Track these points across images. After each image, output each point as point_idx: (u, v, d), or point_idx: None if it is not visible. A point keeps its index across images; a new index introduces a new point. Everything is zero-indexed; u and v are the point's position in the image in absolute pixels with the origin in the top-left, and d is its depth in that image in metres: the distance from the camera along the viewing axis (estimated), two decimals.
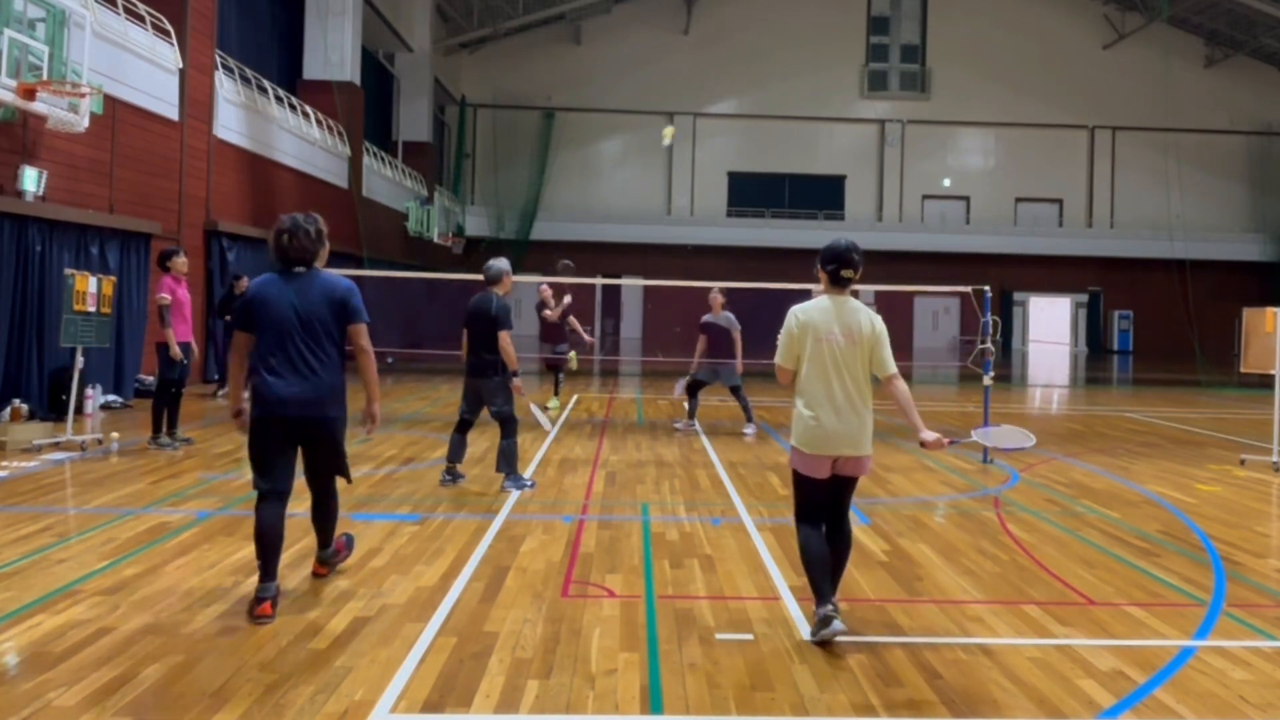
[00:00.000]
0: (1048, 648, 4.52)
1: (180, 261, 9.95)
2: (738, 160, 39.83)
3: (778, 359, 4.71)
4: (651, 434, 11.54)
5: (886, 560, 6.01)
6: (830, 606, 4.46)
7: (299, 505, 6.84)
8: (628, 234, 37.32)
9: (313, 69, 23.64)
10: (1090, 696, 3.96)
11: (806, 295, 14.55)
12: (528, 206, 37.70)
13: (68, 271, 9.77)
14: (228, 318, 12.61)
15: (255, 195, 18.65)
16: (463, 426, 8.09)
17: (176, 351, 9.57)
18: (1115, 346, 39.17)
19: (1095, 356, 36.76)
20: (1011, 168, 40.15)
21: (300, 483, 5.05)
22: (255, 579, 4.86)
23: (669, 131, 13.03)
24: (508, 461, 7.92)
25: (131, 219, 13.86)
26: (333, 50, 23.47)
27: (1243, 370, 10.38)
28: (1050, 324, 40.89)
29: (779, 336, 4.69)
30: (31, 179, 11.57)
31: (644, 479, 8.63)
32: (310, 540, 5.55)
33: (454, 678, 4.00)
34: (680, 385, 12.05)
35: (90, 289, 9.74)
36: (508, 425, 7.90)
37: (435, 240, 31.60)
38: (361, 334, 4.96)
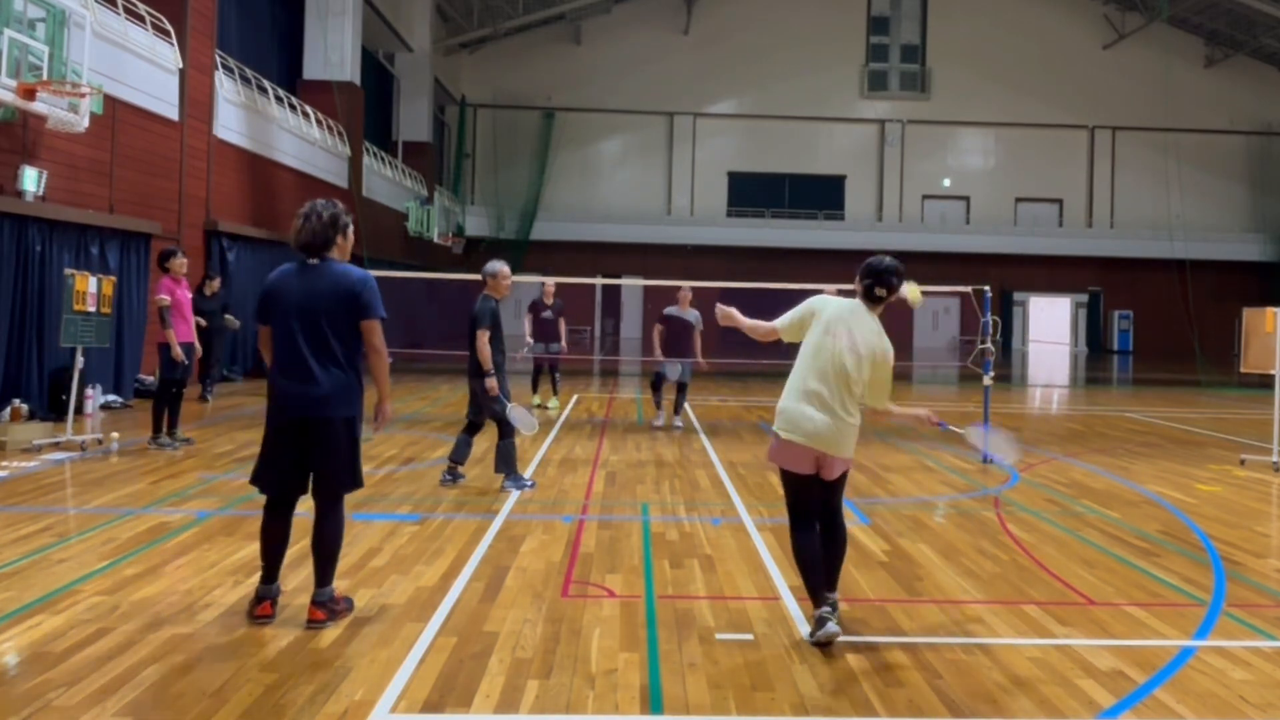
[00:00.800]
0: (1048, 648, 4.52)
1: (178, 262, 9.95)
2: (738, 160, 39.83)
3: (780, 322, 4.75)
4: (651, 434, 11.54)
5: (886, 560, 6.01)
6: (827, 608, 4.46)
7: (300, 505, 6.84)
8: (628, 234, 37.32)
9: (313, 69, 23.64)
10: (1090, 696, 3.96)
11: (805, 295, 14.59)
12: (528, 206, 37.70)
13: (68, 271, 9.77)
14: (201, 320, 12.27)
15: (255, 195, 18.65)
16: (470, 428, 8.10)
17: (178, 352, 9.58)
18: (1115, 346, 39.17)
19: (1095, 356, 36.76)
20: (1011, 168, 40.15)
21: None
22: (256, 578, 4.86)
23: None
24: (505, 462, 7.93)
25: (131, 219, 13.85)
26: (333, 50, 23.46)
27: (1243, 370, 10.39)
28: (1050, 324, 40.89)
29: (794, 310, 4.73)
30: (31, 179, 11.57)
31: (644, 479, 8.63)
32: (309, 544, 5.49)
33: (454, 678, 4.00)
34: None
35: (90, 289, 9.74)
36: (504, 426, 7.89)
37: (435, 240, 31.61)
38: (374, 331, 4.68)
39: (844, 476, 4.70)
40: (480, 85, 38.60)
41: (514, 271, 8.28)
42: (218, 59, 17.16)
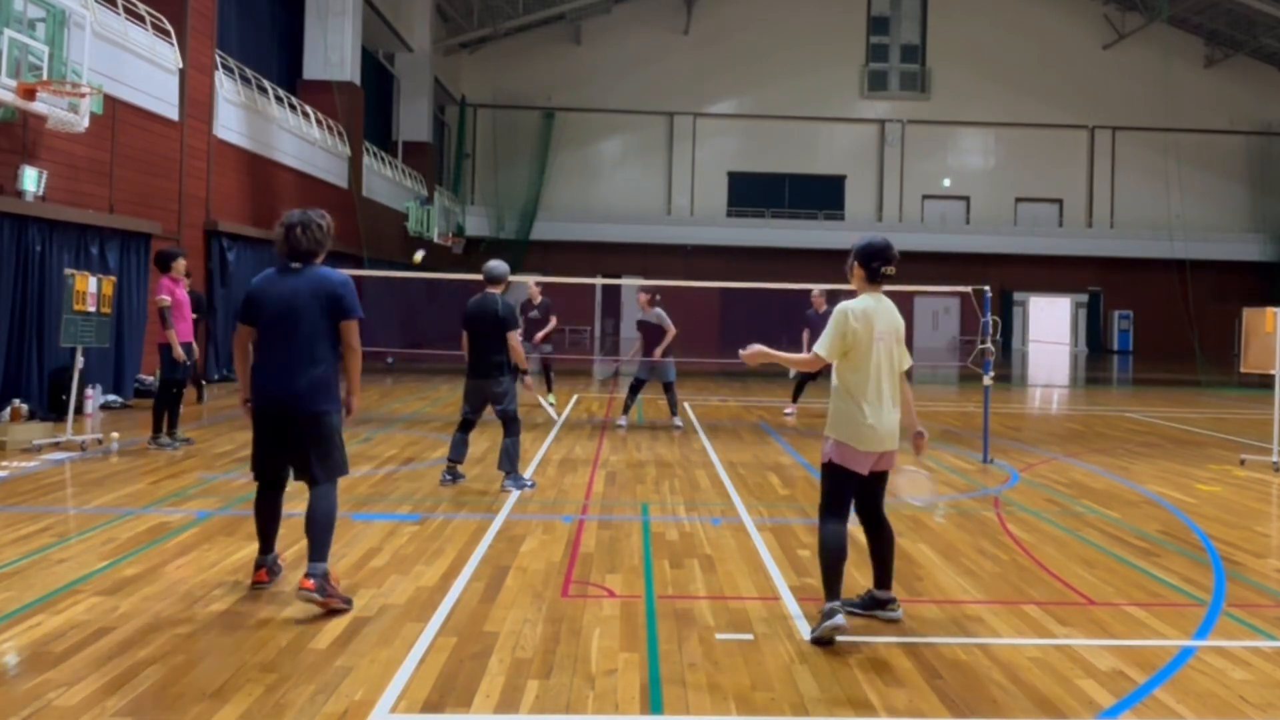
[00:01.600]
0: (1048, 648, 4.52)
1: (180, 264, 9.95)
2: (738, 160, 39.83)
3: (822, 349, 4.68)
4: (651, 434, 11.54)
5: None
6: (839, 601, 4.52)
7: (300, 505, 6.84)
8: (628, 234, 37.32)
9: (313, 69, 23.64)
10: (1090, 696, 3.96)
11: (806, 295, 14.54)
12: (528, 206, 37.71)
13: (68, 271, 9.78)
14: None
15: (255, 195, 18.65)
16: (465, 426, 8.10)
17: (179, 352, 9.58)
18: (1115, 346, 39.17)
19: (1095, 356, 36.77)
20: (1011, 168, 40.16)
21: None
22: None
23: (418, 256, 13.17)
24: (510, 460, 7.94)
25: (131, 219, 13.86)
26: (333, 50, 23.46)
27: (1243, 370, 10.38)
28: (1050, 324, 40.90)
29: (828, 327, 4.70)
30: (31, 179, 11.57)
31: (644, 479, 8.63)
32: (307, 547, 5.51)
33: (454, 678, 4.00)
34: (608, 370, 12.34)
35: (90, 289, 9.74)
36: (512, 424, 7.92)
37: (435, 240, 31.61)
38: (351, 331, 4.92)
39: (886, 473, 4.84)
40: (480, 85, 38.60)
41: (513, 271, 8.32)
42: (218, 59, 17.17)
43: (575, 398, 15.56)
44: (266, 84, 19.82)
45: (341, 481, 5.10)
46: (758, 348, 4.84)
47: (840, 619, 4.42)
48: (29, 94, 10.93)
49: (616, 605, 5.00)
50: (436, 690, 3.87)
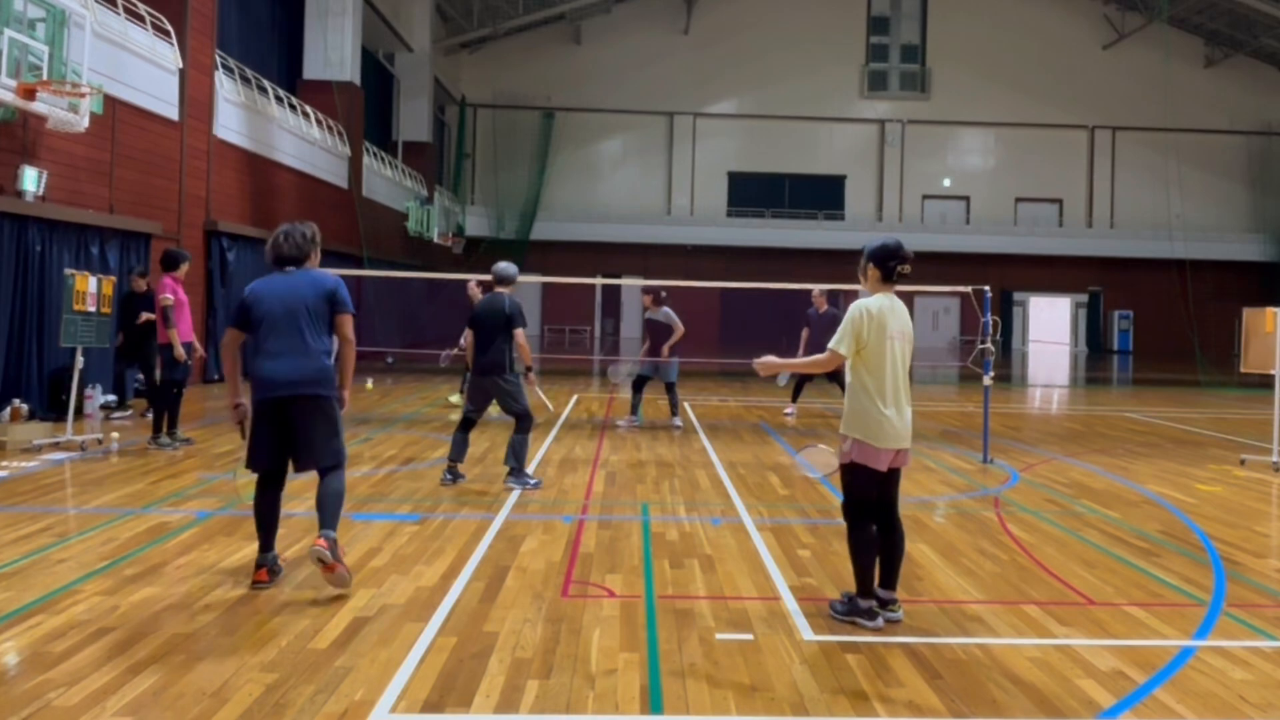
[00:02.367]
0: (1048, 648, 4.52)
1: (185, 268, 9.94)
2: (738, 160, 39.84)
3: (840, 346, 4.73)
4: (651, 434, 11.54)
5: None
6: (874, 601, 4.74)
7: (299, 505, 6.84)
8: (628, 234, 37.33)
9: (313, 69, 23.64)
10: (1090, 696, 3.96)
11: (806, 295, 14.54)
12: (528, 206, 37.71)
13: (68, 271, 9.77)
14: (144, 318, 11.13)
15: (255, 195, 18.65)
16: (466, 425, 8.13)
17: (180, 352, 9.57)
18: (1115, 346, 39.18)
19: (1095, 356, 36.76)
20: (1011, 168, 40.17)
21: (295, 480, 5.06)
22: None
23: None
24: (517, 457, 8.01)
25: (131, 219, 13.86)
26: (333, 50, 23.46)
27: (1243, 370, 10.38)
28: (1050, 324, 40.91)
29: (843, 325, 4.75)
30: (31, 179, 11.57)
31: (644, 479, 8.63)
32: (311, 543, 5.53)
33: (454, 678, 4.00)
34: (616, 371, 12.34)
35: (90, 289, 9.74)
36: (523, 421, 8.01)
37: (435, 240, 31.61)
38: (347, 324, 5.26)
39: (900, 470, 4.92)
40: (480, 85, 38.61)
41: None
42: (218, 59, 17.16)
43: (575, 398, 15.56)
44: (266, 84, 19.82)
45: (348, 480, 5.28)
46: (771, 359, 4.91)
47: (882, 618, 4.70)
48: (29, 94, 10.93)
49: (616, 605, 5.00)
50: (436, 690, 3.87)
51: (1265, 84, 39.90)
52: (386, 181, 28.19)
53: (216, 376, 16.30)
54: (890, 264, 4.82)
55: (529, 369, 8.08)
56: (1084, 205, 40.28)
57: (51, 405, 11.51)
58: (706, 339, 35.40)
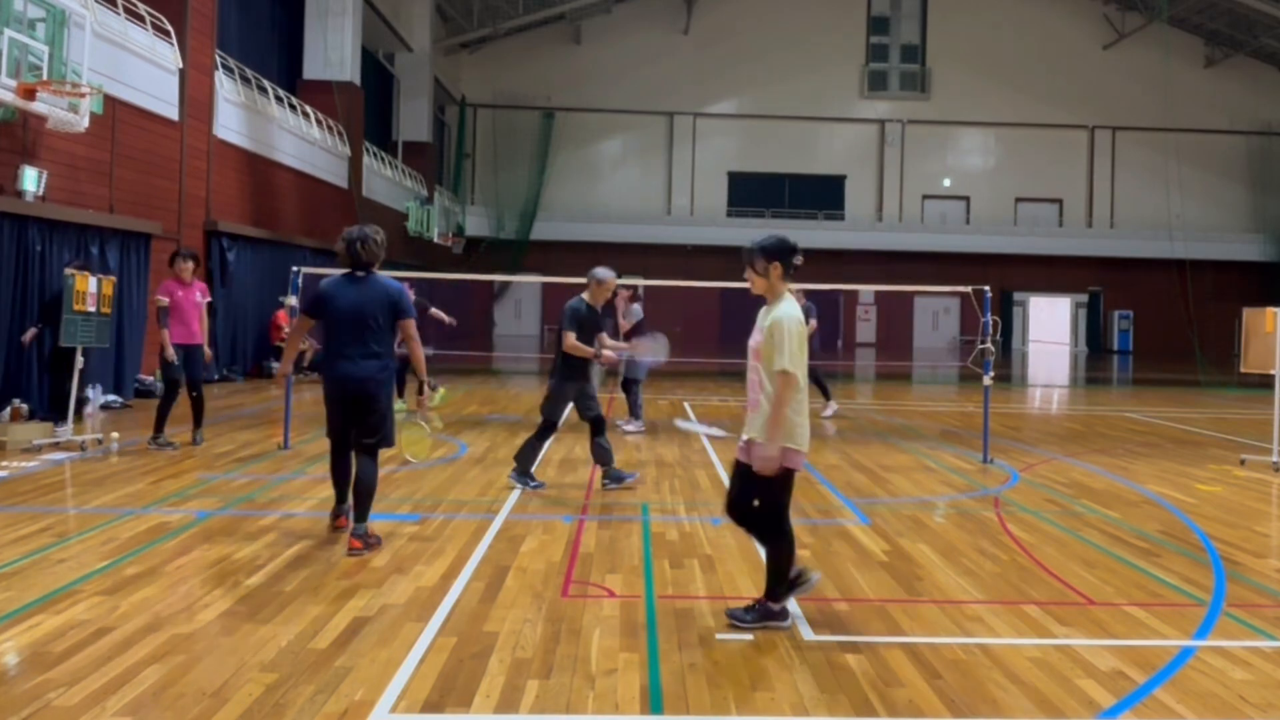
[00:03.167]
0: (1048, 648, 4.52)
1: (180, 264, 9.92)
2: (738, 160, 39.84)
3: (792, 365, 4.51)
4: (651, 434, 11.54)
5: (886, 560, 6.01)
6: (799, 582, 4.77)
7: (299, 506, 6.83)
8: (628, 234, 37.31)
9: (313, 69, 23.64)
10: (1090, 696, 3.96)
11: (806, 295, 14.53)
12: (528, 206, 37.71)
13: (68, 271, 9.77)
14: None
15: (255, 195, 18.65)
16: (598, 428, 8.19)
17: (170, 353, 9.55)
18: (1115, 346, 39.18)
19: (1095, 356, 36.76)
20: (1011, 168, 40.17)
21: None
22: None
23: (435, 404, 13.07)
24: (525, 458, 8.08)
25: (131, 219, 13.86)
26: (333, 50, 23.46)
27: (1243, 370, 10.37)
28: (1050, 324, 40.90)
29: (785, 343, 4.52)
30: (31, 179, 11.57)
31: (644, 479, 8.62)
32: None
33: (454, 678, 4.00)
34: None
35: (90, 289, 9.74)
36: (547, 425, 8.11)
37: (435, 240, 31.60)
38: (410, 326, 6.16)
39: None
40: (480, 85, 38.61)
41: (513, 271, 8.41)
42: (218, 59, 17.16)
43: None
44: (266, 84, 19.82)
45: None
46: (772, 454, 4.57)
47: (816, 575, 4.79)
48: (29, 94, 10.93)
49: (616, 605, 5.00)
50: (436, 690, 3.87)
51: (1265, 84, 39.90)
52: (386, 181, 28.19)
53: (216, 376, 16.31)
54: (792, 259, 4.72)
55: (570, 371, 8.12)
56: (1084, 205, 40.29)
57: (52, 405, 11.50)
58: (706, 339, 35.39)
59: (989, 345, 9.79)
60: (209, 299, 10.04)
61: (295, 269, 9.87)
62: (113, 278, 10.36)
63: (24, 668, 4.02)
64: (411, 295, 13.79)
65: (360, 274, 6.07)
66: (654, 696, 3.86)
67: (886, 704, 3.84)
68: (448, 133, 38.31)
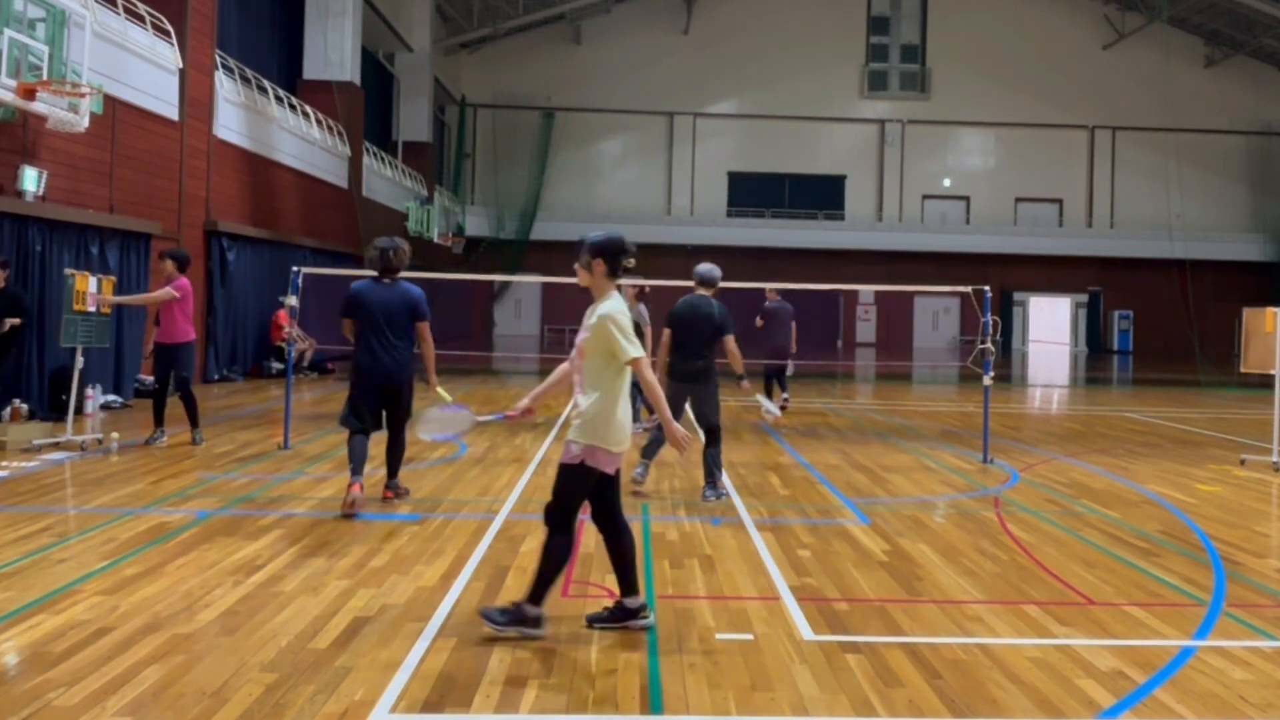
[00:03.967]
0: (1048, 648, 4.52)
1: (166, 264, 9.93)
2: (738, 160, 39.83)
3: (636, 350, 4.51)
4: (646, 430, 11.52)
5: (886, 560, 6.01)
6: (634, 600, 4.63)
7: (299, 506, 6.83)
8: (628, 234, 36.56)
9: (313, 69, 23.63)
10: (1090, 696, 3.96)
11: (806, 295, 14.51)
12: (528, 206, 37.70)
13: (68, 271, 9.77)
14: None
15: (255, 195, 18.65)
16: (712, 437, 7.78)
17: (146, 350, 9.60)
18: (1115, 346, 39.17)
19: (1095, 356, 36.76)
20: (1011, 168, 40.17)
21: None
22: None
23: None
24: (715, 469, 7.74)
25: (131, 219, 13.85)
26: (333, 50, 23.45)
27: (1243, 370, 10.38)
28: (1050, 324, 40.90)
29: (619, 334, 4.51)
30: (31, 179, 11.57)
31: (644, 479, 8.61)
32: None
33: (454, 678, 4.00)
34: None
35: (90, 289, 9.73)
36: (714, 434, 7.79)
37: (435, 240, 31.60)
38: (425, 328, 7.15)
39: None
40: (480, 85, 38.60)
41: (513, 271, 8.41)
42: (218, 59, 17.16)
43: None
44: (266, 84, 19.81)
45: (341, 481, 5.75)
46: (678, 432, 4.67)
47: (544, 629, 4.47)
48: (29, 94, 10.92)
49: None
50: (436, 690, 3.87)
51: (1265, 84, 39.89)
52: (386, 181, 28.19)
53: (216, 376, 16.32)
54: (620, 259, 4.68)
55: (742, 377, 7.96)
56: (1084, 205, 40.28)
57: (51, 405, 11.51)
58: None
59: (989, 345, 9.79)
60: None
61: (295, 269, 9.87)
62: (113, 278, 10.36)
63: (24, 668, 4.02)
64: None
65: (387, 280, 7.03)
66: (654, 696, 3.86)
67: (886, 704, 3.84)
68: (448, 133, 38.31)
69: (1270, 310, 9.77)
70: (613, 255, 4.67)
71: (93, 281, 9.80)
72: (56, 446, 9.39)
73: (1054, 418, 15.48)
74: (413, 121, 32.53)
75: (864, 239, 38.13)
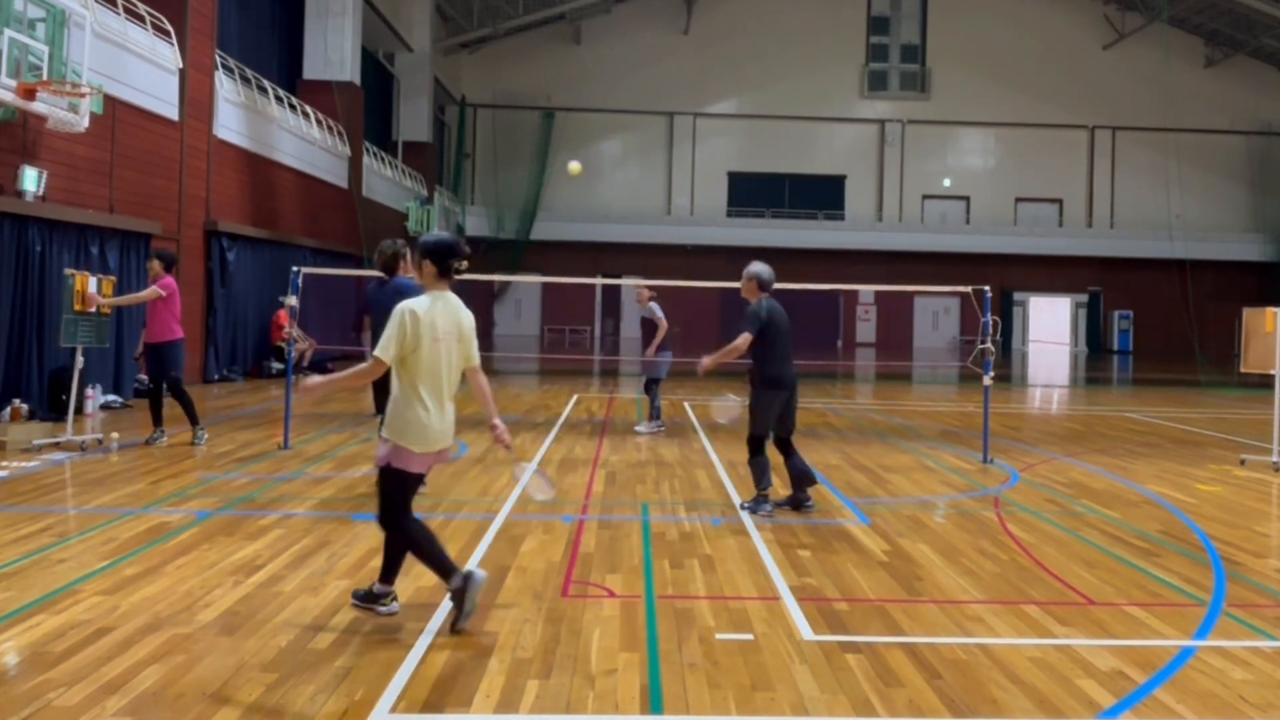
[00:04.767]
0: (1048, 648, 4.52)
1: (153, 264, 9.93)
2: (738, 160, 39.84)
3: (382, 351, 4.56)
4: (651, 434, 11.53)
5: (886, 560, 6.01)
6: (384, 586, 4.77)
7: (299, 506, 6.82)
8: (628, 234, 37.33)
9: (313, 69, 23.63)
10: (1090, 696, 3.96)
11: (805, 295, 14.52)
12: (528, 206, 37.71)
13: (68, 271, 9.77)
14: None
15: (255, 195, 18.65)
16: (782, 448, 7.41)
17: (136, 352, 9.61)
18: (1115, 346, 39.18)
19: (1095, 356, 36.77)
20: (1011, 168, 40.17)
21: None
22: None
23: (575, 167, 12.63)
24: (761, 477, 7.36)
25: (131, 219, 13.85)
26: (333, 50, 23.45)
27: (1243, 370, 10.38)
28: (1050, 324, 40.90)
29: (388, 329, 4.57)
30: (31, 179, 11.57)
31: (644, 479, 8.63)
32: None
33: (454, 678, 4.00)
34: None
35: (90, 289, 9.73)
36: (756, 441, 7.41)
37: None
38: None
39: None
40: (480, 85, 38.60)
41: (513, 271, 8.43)
42: (218, 59, 17.16)
43: (575, 398, 15.55)
44: (266, 84, 19.81)
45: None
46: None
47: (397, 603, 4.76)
48: (29, 94, 10.92)
49: (616, 605, 5.00)
50: (436, 690, 3.87)
51: (1265, 84, 39.90)
52: (386, 181, 28.19)
53: (217, 376, 16.32)
54: (449, 261, 4.71)
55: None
56: (1084, 205, 40.29)
57: (51, 405, 11.51)
58: (707, 339, 35.33)
59: (989, 345, 9.79)
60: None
61: (295, 269, 9.87)
62: (113, 278, 10.36)
63: (24, 668, 4.02)
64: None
65: (386, 279, 7.38)
66: (654, 696, 3.86)
67: (886, 704, 3.84)
68: (448, 133, 38.31)
69: (1270, 310, 9.77)
70: (441, 257, 4.74)
71: (93, 282, 9.80)
72: (56, 446, 9.39)
73: (1054, 418, 15.48)
74: (413, 121, 32.53)
75: (864, 239, 38.14)
